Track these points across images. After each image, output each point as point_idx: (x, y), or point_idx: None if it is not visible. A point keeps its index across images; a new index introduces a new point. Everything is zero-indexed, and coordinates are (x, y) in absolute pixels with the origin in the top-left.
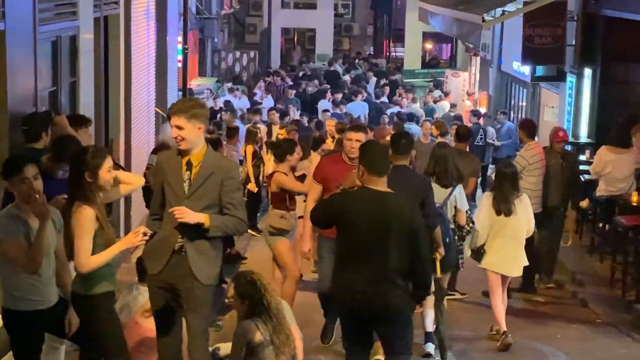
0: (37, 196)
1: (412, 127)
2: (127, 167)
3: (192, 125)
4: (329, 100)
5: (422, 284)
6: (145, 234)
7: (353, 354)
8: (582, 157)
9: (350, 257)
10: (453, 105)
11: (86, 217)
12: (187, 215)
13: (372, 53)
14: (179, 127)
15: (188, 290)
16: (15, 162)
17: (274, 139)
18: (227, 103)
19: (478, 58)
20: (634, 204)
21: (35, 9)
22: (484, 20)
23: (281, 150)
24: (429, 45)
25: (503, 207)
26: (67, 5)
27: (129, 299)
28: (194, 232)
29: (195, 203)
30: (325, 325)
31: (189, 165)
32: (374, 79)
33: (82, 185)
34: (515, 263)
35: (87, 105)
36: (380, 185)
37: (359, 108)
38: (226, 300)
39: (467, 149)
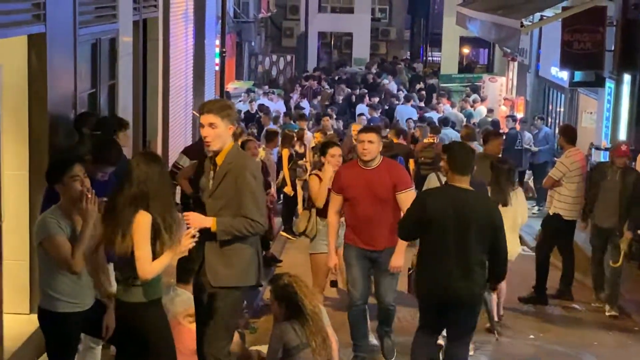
0: (89, 194)
1: (448, 132)
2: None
3: (224, 125)
4: (366, 105)
5: (501, 273)
6: (194, 236)
7: (426, 334)
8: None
9: (436, 252)
10: (490, 110)
11: (144, 224)
12: (195, 221)
13: (409, 57)
14: (213, 125)
15: (210, 290)
16: (67, 160)
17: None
18: (262, 106)
19: (515, 63)
20: None
21: (76, 11)
22: (522, 25)
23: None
24: (466, 50)
25: (500, 198)
26: (107, 8)
27: (166, 300)
28: (209, 233)
29: (215, 202)
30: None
31: (215, 164)
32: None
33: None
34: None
35: (125, 108)
36: (464, 183)
37: (406, 111)
38: (261, 303)
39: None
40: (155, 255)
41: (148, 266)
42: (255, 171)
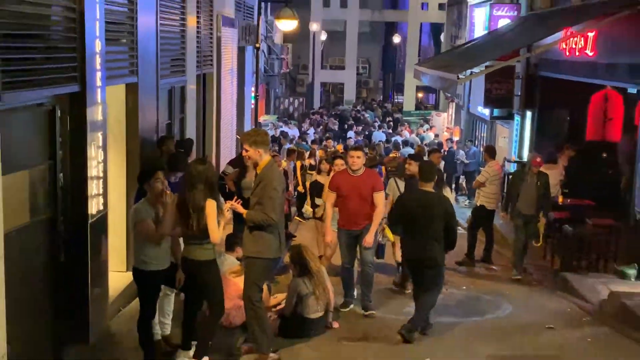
0: (167, 191)
1: (406, 150)
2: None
3: (253, 149)
4: (354, 131)
5: (452, 244)
6: (228, 210)
7: (416, 284)
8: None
9: (411, 233)
10: (436, 135)
11: (213, 207)
12: (237, 207)
13: (381, 99)
14: (246, 150)
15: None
16: (152, 168)
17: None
18: (283, 132)
19: (454, 103)
20: (560, 203)
21: (159, 68)
22: (458, 78)
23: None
24: (420, 95)
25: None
26: (178, 66)
27: (219, 262)
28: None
29: (253, 199)
30: (345, 300)
31: (256, 173)
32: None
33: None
34: None
35: (191, 132)
36: (428, 187)
37: (379, 136)
38: (282, 265)
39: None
40: None
41: (217, 233)
42: (278, 184)
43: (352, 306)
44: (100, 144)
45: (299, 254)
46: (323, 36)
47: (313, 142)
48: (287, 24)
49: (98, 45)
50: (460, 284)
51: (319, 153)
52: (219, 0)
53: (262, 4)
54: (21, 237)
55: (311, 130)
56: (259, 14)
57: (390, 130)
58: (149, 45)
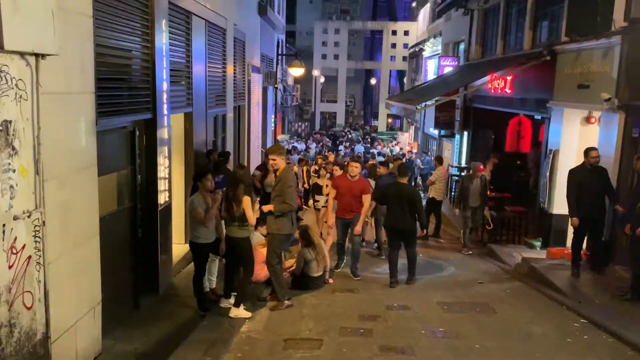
0: (214, 189)
1: (379, 159)
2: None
3: (280, 159)
4: (343, 146)
5: (422, 223)
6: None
7: (393, 249)
8: (463, 173)
9: (391, 210)
10: (401, 149)
11: (249, 201)
12: (265, 208)
13: (363, 123)
14: (273, 159)
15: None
16: (203, 171)
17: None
18: (293, 146)
19: (413, 126)
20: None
21: (207, 102)
22: (417, 108)
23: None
24: (390, 120)
25: None
26: (221, 100)
27: (252, 237)
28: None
29: (274, 193)
30: (337, 263)
31: (276, 175)
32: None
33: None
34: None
35: (229, 146)
36: (404, 180)
37: (360, 148)
38: (293, 239)
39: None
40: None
41: (253, 219)
42: (292, 182)
43: (342, 267)
44: (166, 154)
45: (305, 232)
46: (322, 79)
47: (316, 153)
48: (296, 71)
49: (164, 85)
50: (419, 252)
51: (319, 161)
52: (249, 53)
53: (279, 57)
54: (111, 220)
55: (313, 145)
56: (277, 63)
57: (369, 145)
58: (200, 86)
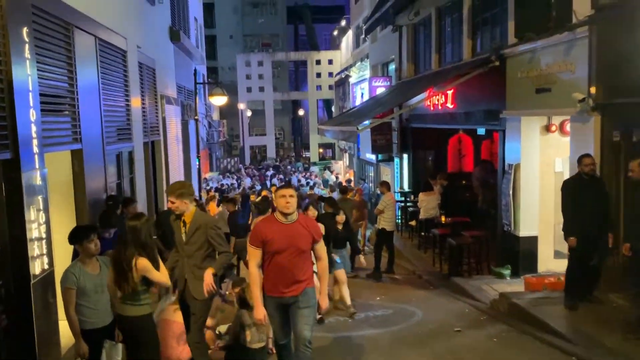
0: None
1: (317, 190)
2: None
3: (180, 201)
4: (277, 179)
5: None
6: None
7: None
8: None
9: None
10: (337, 177)
11: (146, 264)
12: (209, 284)
13: (294, 155)
14: (172, 202)
15: (191, 300)
16: (85, 228)
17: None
18: (222, 184)
19: (347, 154)
20: (443, 222)
21: (104, 136)
22: (358, 129)
23: (263, 207)
24: (321, 150)
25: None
26: (125, 135)
27: (157, 311)
28: (191, 268)
29: (191, 247)
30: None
31: (184, 222)
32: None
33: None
34: None
35: (141, 190)
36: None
37: (295, 180)
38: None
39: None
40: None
41: (164, 279)
42: (215, 224)
43: None
44: (41, 206)
45: (242, 291)
46: (248, 113)
47: (250, 188)
48: (219, 100)
49: (32, 115)
50: (374, 295)
51: (251, 197)
52: (162, 82)
53: (199, 86)
54: None
55: (247, 180)
56: (196, 94)
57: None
58: (92, 117)
